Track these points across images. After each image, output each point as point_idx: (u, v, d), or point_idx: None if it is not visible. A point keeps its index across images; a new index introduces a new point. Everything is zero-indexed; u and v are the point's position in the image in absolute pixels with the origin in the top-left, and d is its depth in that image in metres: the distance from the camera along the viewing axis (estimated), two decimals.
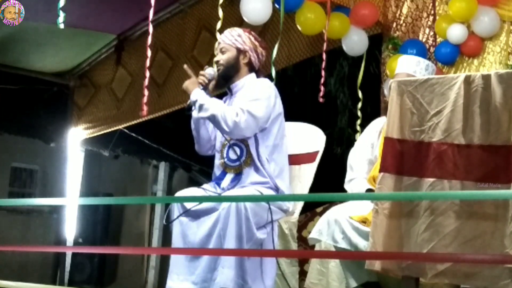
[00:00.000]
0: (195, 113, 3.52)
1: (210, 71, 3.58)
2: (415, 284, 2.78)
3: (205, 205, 3.36)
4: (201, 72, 3.57)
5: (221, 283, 3.20)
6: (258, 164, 3.45)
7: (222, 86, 3.67)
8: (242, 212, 3.20)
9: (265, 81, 3.58)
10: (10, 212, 10.07)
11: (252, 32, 3.66)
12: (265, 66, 5.30)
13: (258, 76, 3.62)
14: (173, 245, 3.48)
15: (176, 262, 3.38)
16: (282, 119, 3.58)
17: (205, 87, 3.53)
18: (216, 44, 3.69)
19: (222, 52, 3.58)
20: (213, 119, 3.43)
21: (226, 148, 3.55)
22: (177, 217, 3.39)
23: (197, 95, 3.48)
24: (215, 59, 3.64)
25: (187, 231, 3.39)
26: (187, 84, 3.55)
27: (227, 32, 3.63)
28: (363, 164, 3.67)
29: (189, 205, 3.40)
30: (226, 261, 3.21)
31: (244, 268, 3.22)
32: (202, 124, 3.61)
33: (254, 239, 3.25)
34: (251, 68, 3.59)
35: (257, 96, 3.46)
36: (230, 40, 3.57)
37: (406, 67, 3.65)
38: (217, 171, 3.60)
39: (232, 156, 3.52)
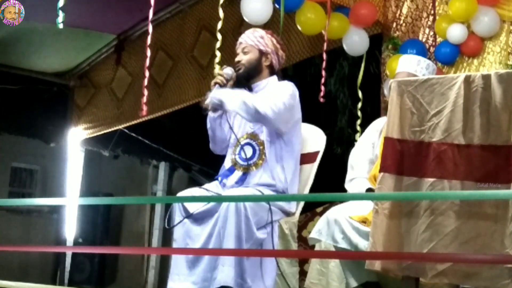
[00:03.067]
0: (211, 114, 3.51)
1: (228, 71, 3.54)
2: (415, 284, 2.78)
3: (208, 206, 3.36)
4: (219, 72, 3.55)
5: (222, 281, 3.20)
6: (271, 166, 3.45)
7: (243, 87, 3.62)
8: (242, 212, 3.20)
9: (288, 83, 3.57)
10: (10, 212, 10.08)
11: (274, 35, 3.65)
12: None
13: (278, 80, 3.62)
14: (175, 246, 3.48)
15: (177, 263, 3.38)
16: (300, 125, 3.58)
17: (223, 88, 3.50)
18: (237, 43, 3.64)
19: (244, 53, 3.56)
20: (247, 109, 3.37)
21: (239, 147, 3.55)
22: (179, 222, 3.38)
23: (220, 93, 3.42)
24: (236, 58, 3.61)
25: (190, 233, 3.38)
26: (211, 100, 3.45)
27: (250, 32, 3.61)
28: (364, 164, 3.67)
29: (191, 209, 3.38)
30: (226, 259, 3.21)
31: (243, 267, 3.22)
32: (218, 124, 3.60)
33: (254, 239, 3.25)
34: (271, 70, 3.58)
35: (282, 92, 3.46)
36: (253, 41, 3.55)
37: (407, 66, 3.65)
38: (226, 165, 3.61)
39: (244, 155, 3.52)
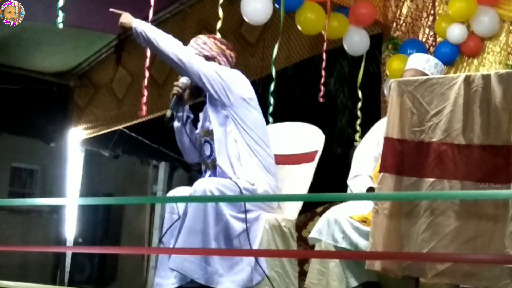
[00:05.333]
0: (175, 124, 3.50)
1: (184, 80, 3.56)
2: (415, 284, 2.78)
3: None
4: (175, 83, 3.57)
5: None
6: (225, 157, 3.41)
7: (197, 96, 3.64)
8: (208, 194, 3.17)
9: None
10: (10, 212, 10.09)
11: (217, 37, 3.72)
12: (264, 66, 5.32)
13: None
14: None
15: (161, 258, 3.40)
16: (251, 106, 3.50)
17: (180, 97, 3.52)
18: None
19: None
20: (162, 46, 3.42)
21: (203, 145, 3.57)
22: (172, 224, 3.41)
23: (140, 23, 3.49)
24: None
25: (174, 230, 3.41)
26: (122, 21, 3.55)
27: (192, 41, 3.64)
28: (369, 161, 3.67)
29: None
30: (238, 259, 3.20)
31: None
32: (187, 132, 3.60)
33: (224, 221, 3.19)
34: None
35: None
36: (197, 49, 3.56)
37: (416, 63, 3.66)
38: (202, 169, 3.64)
39: (206, 152, 3.55)
